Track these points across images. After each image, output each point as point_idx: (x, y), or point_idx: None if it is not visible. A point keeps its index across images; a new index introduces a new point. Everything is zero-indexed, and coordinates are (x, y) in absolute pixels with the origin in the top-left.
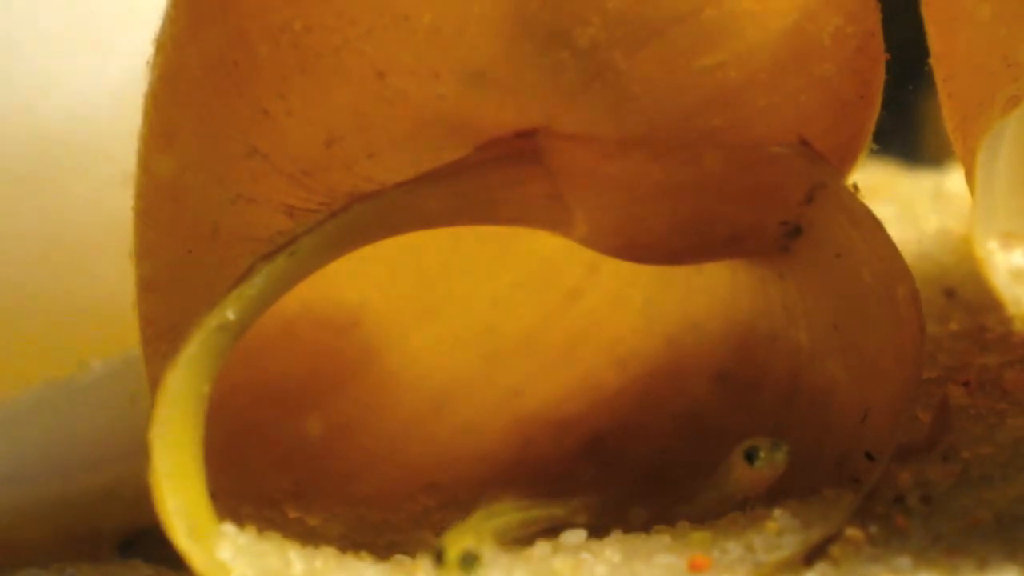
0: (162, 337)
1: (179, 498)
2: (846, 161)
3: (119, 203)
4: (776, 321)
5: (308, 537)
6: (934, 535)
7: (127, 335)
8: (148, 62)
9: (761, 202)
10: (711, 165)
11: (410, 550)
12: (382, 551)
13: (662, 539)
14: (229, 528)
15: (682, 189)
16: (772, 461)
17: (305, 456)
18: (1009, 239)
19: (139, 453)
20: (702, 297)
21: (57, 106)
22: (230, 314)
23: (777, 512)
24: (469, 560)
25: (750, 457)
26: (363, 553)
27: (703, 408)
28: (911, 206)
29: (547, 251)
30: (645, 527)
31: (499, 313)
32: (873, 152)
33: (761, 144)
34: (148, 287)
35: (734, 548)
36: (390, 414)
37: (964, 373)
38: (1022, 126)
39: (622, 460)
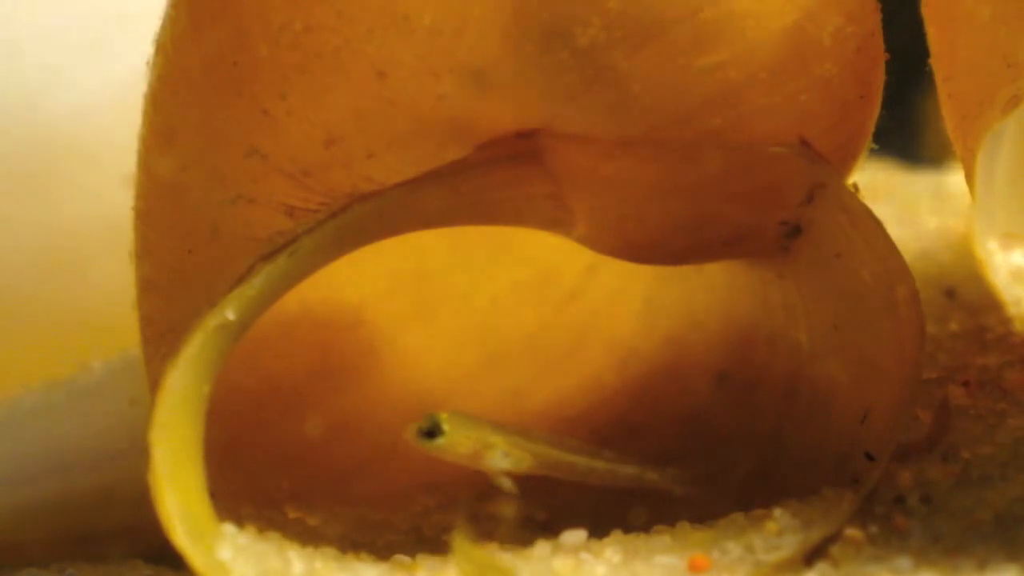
0: (162, 337)
1: (179, 498)
2: (846, 161)
3: (119, 203)
4: (776, 321)
5: (308, 537)
6: (934, 535)
7: (127, 335)
8: (148, 62)
9: (761, 202)
10: (711, 165)
11: (410, 550)
12: (382, 551)
13: (662, 539)
14: (229, 528)
15: (682, 189)
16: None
17: (305, 456)
18: (1009, 239)
19: (139, 453)
20: (702, 297)
21: (57, 106)
22: (230, 314)
23: (777, 512)
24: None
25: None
26: (363, 553)
27: (703, 408)
28: (911, 206)
29: (547, 251)
30: (645, 527)
31: (499, 313)
32: (873, 152)
33: (761, 144)
34: (148, 287)
35: (734, 548)
36: (390, 414)
37: (964, 373)
38: (1022, 126)
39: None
